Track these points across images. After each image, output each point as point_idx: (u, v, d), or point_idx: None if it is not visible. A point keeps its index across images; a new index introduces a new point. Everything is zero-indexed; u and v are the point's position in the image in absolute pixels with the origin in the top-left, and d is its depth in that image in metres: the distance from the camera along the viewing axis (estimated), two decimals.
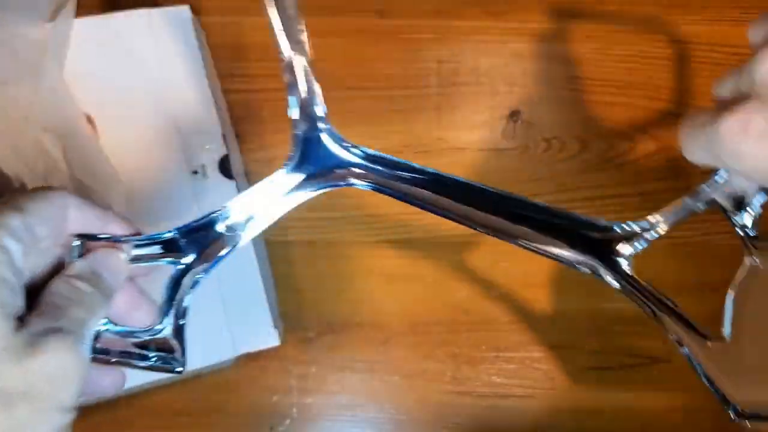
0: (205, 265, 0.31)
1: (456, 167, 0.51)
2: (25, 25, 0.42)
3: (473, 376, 0.51)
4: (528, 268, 0.51)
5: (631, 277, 0.32)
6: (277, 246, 0.51)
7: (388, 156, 0.32)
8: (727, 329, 0.30)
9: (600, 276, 0.32)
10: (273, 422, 0.50)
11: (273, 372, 0.50)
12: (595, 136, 0.51)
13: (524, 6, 0.51)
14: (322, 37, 0.51)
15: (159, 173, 0.45)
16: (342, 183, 0.32)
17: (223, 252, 0.31)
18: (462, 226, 0.33)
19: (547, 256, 0.32)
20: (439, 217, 0.33)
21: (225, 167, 0.46)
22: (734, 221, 0.31)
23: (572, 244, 0.32)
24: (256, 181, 0.34)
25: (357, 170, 0.32)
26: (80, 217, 0.29)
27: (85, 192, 0.43)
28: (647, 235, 0.32)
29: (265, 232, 0.50)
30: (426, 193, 0.32)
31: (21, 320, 0.24)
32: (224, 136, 0.46)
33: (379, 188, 0.32)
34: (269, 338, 0.46)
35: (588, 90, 0.52)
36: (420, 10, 0.51)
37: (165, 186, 0.45)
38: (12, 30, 0.42)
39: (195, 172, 0.45)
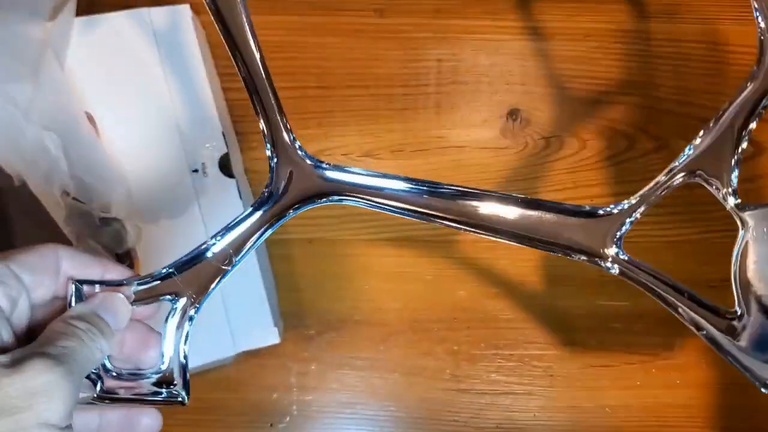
0: (200, 297, 0.31)
1: (455, 166, 0.51)
2: (26, 24, 0.42)
3: (472, 374, 0.51)
4: (527, 265, 0.51)
5: (628, 259, 0.31)
6: (277, 244, 0.51)
7: (361, 169, 0.32)
8: (738, 303, 0.30)
9: (596, 262, 0.31)
10: (273, 419, 0.50)
11: (273, 370, 0.50)
12: (594, 134, 0.52)
13: (523, 5, 0.51)
14: (322, 36, 0.51)
15: (159, 171, 0.45)
16: (320, 201, 0.32)
17: (215, 282, 0.31)
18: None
19: (539, 248, 0.31)
20: None
21: (225, 166, 0.46)
22: (715, 193, 0.30)
23: (563, 232, 0.31)
24: (256, 180, 0.33)
25: (334, 186, 0.32)
26: (75, 266, 0.29)
27: (86, 190, 0.43)
28: (630, 217, 0.31)
29: None
30: (397, 202, 0.32)
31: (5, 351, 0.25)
32: (224, 135, 0.46)
33: (359, 202, 0.32)
34: (269, 336, 0.46)
35: (587, 89, 0.52)
36: (419, 9, 0.51)
37: (165, 184, 0.45)
38: (13, 29, 0.42)
39: (195, 171, 0.46)
